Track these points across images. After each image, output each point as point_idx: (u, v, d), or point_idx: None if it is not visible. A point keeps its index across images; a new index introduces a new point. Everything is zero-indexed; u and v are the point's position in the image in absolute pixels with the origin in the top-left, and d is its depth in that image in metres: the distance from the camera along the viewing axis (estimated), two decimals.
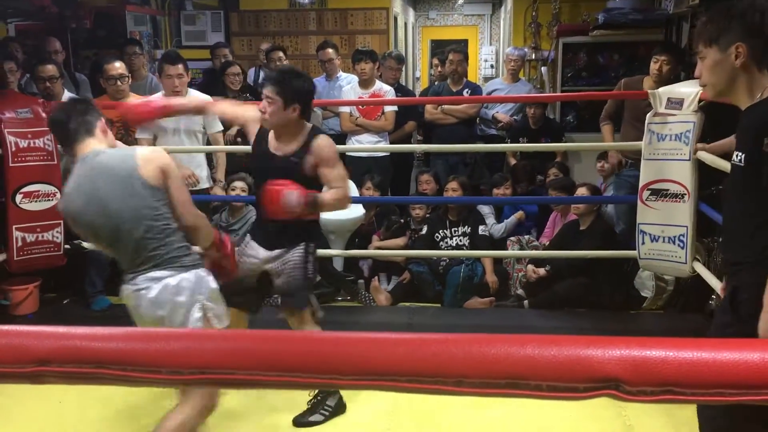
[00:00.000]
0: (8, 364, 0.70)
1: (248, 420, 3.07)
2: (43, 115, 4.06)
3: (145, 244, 2.30)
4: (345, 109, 5.20)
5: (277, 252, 2.92)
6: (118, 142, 2.64)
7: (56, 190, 4.09)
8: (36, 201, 4.04)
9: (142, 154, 2.34)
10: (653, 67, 4.35)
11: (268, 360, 0.72)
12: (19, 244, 4.01)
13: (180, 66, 4.15)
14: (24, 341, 0.71)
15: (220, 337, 0.73)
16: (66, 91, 4.62)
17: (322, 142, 2.85)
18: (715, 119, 3.53)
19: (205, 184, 4.40)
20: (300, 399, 3.07)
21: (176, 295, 2.31)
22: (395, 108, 5.24)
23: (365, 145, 5.16)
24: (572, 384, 0.68)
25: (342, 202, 2.87)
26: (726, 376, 0.68)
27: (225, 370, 0.71)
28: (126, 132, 4.31)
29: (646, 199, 3.73)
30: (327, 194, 2.83)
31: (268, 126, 2.85)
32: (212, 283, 2.41)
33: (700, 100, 3.47)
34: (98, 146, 2.38)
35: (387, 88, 5.29)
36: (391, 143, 5.33)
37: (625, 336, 0.72)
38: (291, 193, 2.69)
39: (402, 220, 4.98)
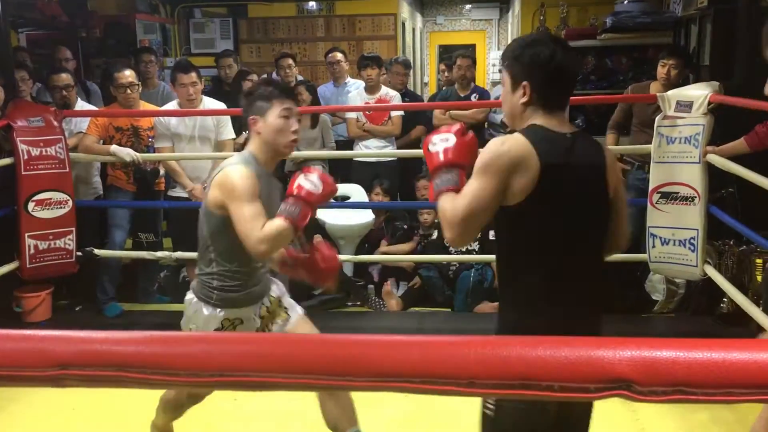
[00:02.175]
0: (31, 367, 0.71)
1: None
2: (55, 123, 4.11)
3: None
4: (352, 115, 5.22)
5: None
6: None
7: (68, 197, 4.13)
8: (48, 209, 4.08)
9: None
10: (660, 71, 4.34)
11: (282, 362, 0.74)
12: (32, 251, 4.05)
13: (193, 74, 4.18)
14: (46, 345, 0.73)
15: (236, 340, 0.74)
16: (79, 99, 4.66)
17: (493, 141, 1.90)
18: (725, 122, 3.53)
19: None
20: None
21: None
22: (401, 113, 5.26)
23: (372, 150, 5.18)
24: (584, 384, 0.69)
25: (448, 221, 1.80)
26: (736, 376, 0.69)
27: (241, 372, 0.72)
28: (137, 139, 4.34)
29: (656, 202, 3.73)
30: (449, 200, 1.83)
31: (507, 120, 2.08)
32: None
33: (709, 103, 3.47)
34: None
35: (393, 93, 5.31)
36: (398, 148, 5.35)
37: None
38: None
39: (406, 226, 4.98)
